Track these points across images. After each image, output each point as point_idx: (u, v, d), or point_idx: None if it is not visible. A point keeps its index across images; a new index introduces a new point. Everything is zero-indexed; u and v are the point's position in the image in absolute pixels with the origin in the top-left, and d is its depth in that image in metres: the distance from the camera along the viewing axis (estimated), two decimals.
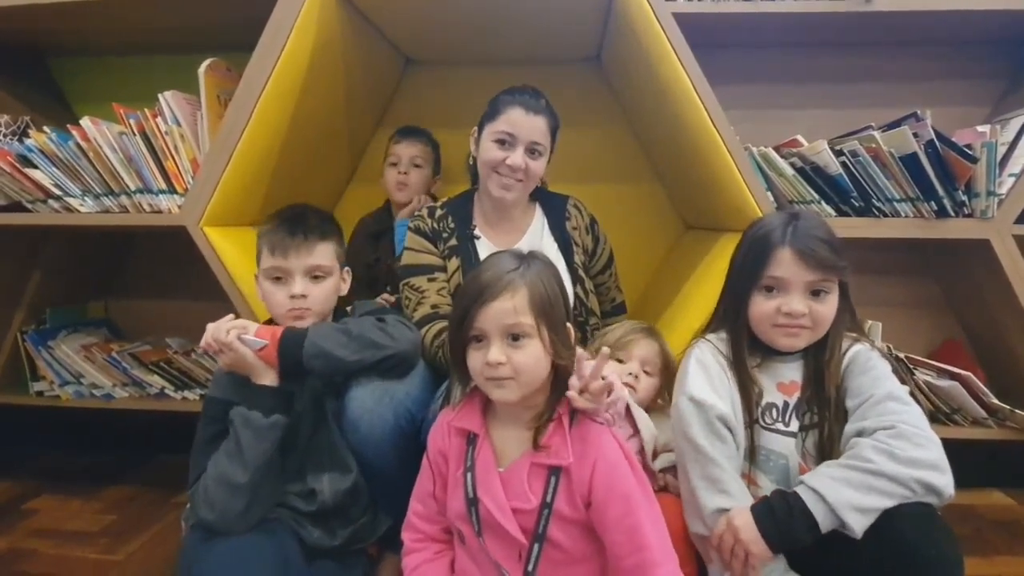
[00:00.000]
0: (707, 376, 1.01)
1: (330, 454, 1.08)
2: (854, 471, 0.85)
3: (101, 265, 2.00)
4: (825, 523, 0.83)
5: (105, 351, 1.72)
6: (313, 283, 1.10)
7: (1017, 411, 1.40)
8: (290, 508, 1.05)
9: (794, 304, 0.97)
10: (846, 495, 0.83)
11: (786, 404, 1.02)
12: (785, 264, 0.97)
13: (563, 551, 0.86)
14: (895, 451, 0.84)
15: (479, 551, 0.89)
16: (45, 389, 1.74)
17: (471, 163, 1.37)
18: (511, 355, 0.84)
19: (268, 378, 1.04)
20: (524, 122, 1.25)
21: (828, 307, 0.99)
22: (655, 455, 1.14)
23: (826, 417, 0.99)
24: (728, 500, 0.92)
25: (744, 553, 0.86)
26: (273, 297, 1.10)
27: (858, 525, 0.82)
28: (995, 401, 1.41)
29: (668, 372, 1.24)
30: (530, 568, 0.86)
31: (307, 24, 1.34)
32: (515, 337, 0.84)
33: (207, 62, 1.41)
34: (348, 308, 1.21)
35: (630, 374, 1.19)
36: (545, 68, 1.77)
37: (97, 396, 1.71)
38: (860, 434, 0.91)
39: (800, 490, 0.86)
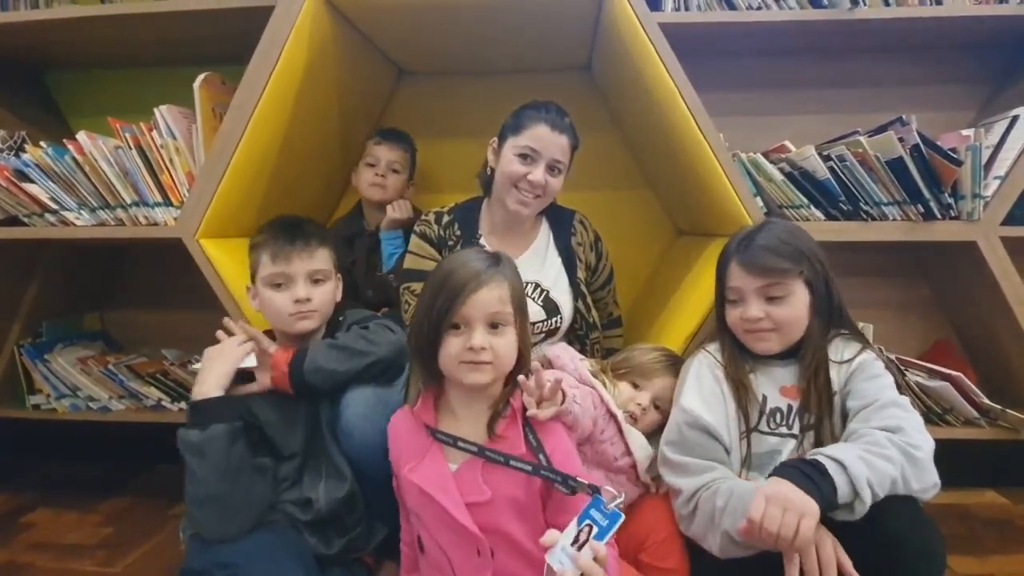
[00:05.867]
0: (699, 389, 1.07)
1: (326, 463, 1.09)
2: (871, 453, 0.86)
3: (97, 278, 2.01)
4: (843, 492, 0.83)
5: (101, 363, 1.72)
6: (315, 287, 1.15)
7: (1008, 411, 1.41)
8: (287, 516, 1.06)
9: (750, 311, 1.04)
10: (863, 470, 0.84)
11: (790, 407, 1.05)
12: (736, 275, 1.06)
13: (515, 545, 0.90)
14: (907, 448, 0.87)
15: (437, 555, 0.91)
16: (42, 402, 1.74)
17: (488, 173, 1.36)
18: (492, 341, 0.89)
19: (211, 388, 1.04)
20: (549, 139, 1.26)
21: (788, 309, 1.03)
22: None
23: (825, 417, 1.01)
24: (705, 477, 0.97)
25: (796, 523, 0.81)
26: (274, 303, 1.12)
27: (868, 502, 0.83)
28: (986, 401, 1.43)
29: None
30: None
31: (301, 37, 1.36)
32: (494, 325, 0.90)
33: (202, 76, 1.43)
34: (340, 318, 1.22)
35: (638, 404, 1.16)
36: (536, 77, 1.80)
37: (94, 408, 1.71)
38: (863, 434, 0.92)
39: (821, 459, 0.86)
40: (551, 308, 1.35)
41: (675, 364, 1.21)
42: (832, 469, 0.84)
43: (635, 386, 1.19)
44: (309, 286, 1.13)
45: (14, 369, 1.76)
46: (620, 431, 1.10)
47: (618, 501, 0.80)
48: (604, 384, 1.16)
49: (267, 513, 1.05)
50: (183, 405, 1.68)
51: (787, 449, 1.03)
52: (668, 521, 1.04)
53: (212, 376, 1.05)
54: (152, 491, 1.73)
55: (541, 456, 0.91)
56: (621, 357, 1.24)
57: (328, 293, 1.18)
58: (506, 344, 0.90)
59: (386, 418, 1.04)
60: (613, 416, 1.10)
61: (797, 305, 1.03)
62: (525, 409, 0.94)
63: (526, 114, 1.29)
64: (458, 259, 0.94)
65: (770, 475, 0.88)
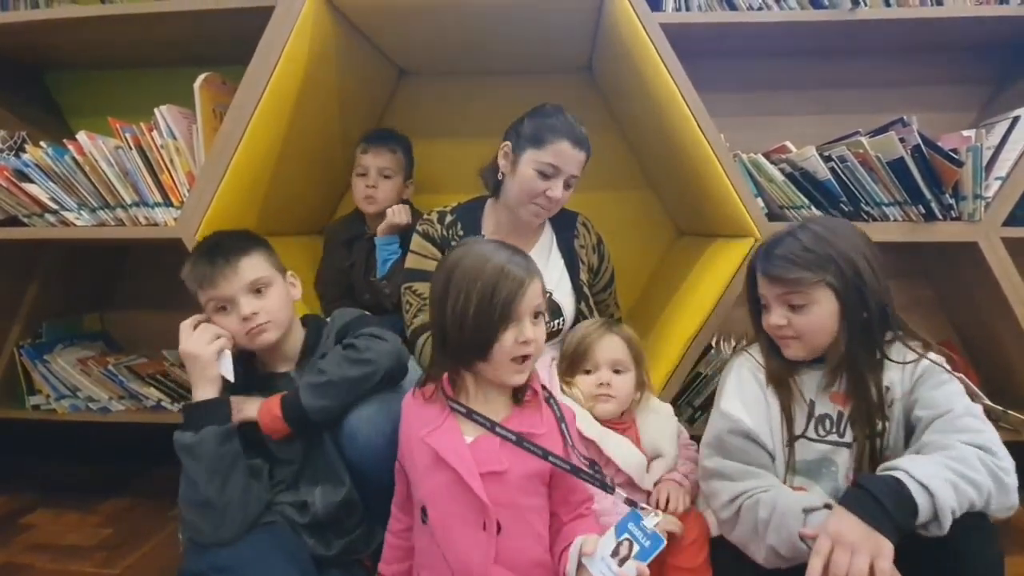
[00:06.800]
0: (740, 393, 1.05)
1: (324, 467, 1.08)
2: (959, 476, 0.81)
3: (97, 278, 2.00)
4: (923, 514, 0.79)
5: (101, 364, 1.72)
6: (258, 298, 1.07)
7: (1010, 412, 1.41)
8: (286, 518, 1.06)
9: (772, 318, 1.03)
10: (951, 498, 0.79)
11: (840, 414, 1.03)
12: (760, 284, 1.05)
13: (525, 522, 0.90)
14: (997, 472, 0.84)
15: (440, 529, 0.90)
16: (41, 403, 1.74)
17: (500, 177, 1.33)
18: (536, 333, 0.90)
19: (204, 391, 1.03)
20: (571, 156, 1.25)
21: (810, 317, 0.99)
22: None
23: (887, 428, 0.99)
24: (747, 483, 0.96)
25: (867, 567, 0.76)
26: (225, 327, 1.07)
27: (947, 527, 0.79)
28: (988, 402, 1.41)
29: (641, 360, 1.19)
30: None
31: (301, 37, 1.35)
32: (536, 315, 0.92)
33: (203, 76, 1.42)
34: (328, 319, 1.20)
35: (601, 384, 1.14)
36: (537, 78, 1.80)
37: (93, 409, 1.71)
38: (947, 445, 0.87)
39: (903, 478, 0.81)
40: (554, 310, 1.35)
41: (605, 325, 1.20)
42: (915, 490, 0.79)
43: (587, 372, 1.17)
44: (251, 299, 1.06)
45: (14, 369, 1.76)
46: (600, 451, 1.11)
47: (659, 520, 0.79)
48: (579, 399, 1.16)
49: (265, 514, 1.04)
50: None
51: (841, 458, 1.01)
52: (694, 525, 1.04)
53: (204, 378, 1.04)
54: (152, 492, 1.72)
55: (563, 426, 0.94)
56: (557, 362, 1.23)
57: (277, 298, 1.09)
58: (543, 334, 0.93)
59: (390, 421, 1.03)
60: (590, 441, 1.10)
61: (820, 313, 0.98)
62: (544, 388, 0.98)
63: (547, 125, 1.25)
64: (487, 252, 0.91)
65: (840, 500, 0.84)
